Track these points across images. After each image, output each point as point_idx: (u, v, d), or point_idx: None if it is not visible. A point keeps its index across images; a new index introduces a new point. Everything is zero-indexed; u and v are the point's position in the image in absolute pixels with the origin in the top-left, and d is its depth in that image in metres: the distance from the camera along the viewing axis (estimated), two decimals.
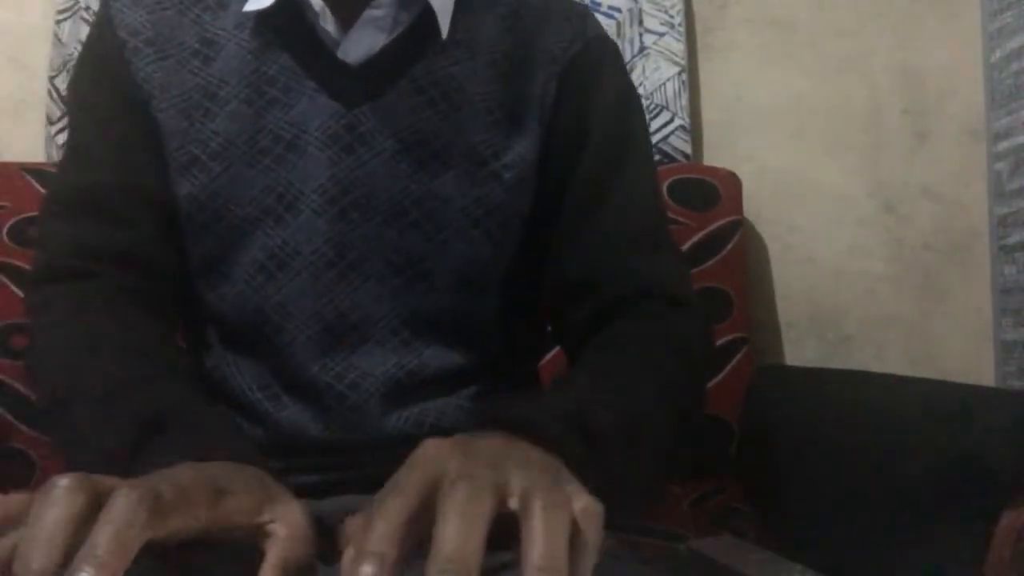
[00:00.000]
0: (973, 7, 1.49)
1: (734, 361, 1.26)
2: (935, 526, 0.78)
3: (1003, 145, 1.44)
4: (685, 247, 1.28)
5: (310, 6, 0.69)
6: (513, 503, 0.37)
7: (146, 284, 0.68)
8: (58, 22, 1.40)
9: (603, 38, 0.76)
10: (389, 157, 0.68)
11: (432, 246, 0.68)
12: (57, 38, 1.39)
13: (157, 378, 0.58)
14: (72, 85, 0.74)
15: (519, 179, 0.70)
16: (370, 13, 0.68)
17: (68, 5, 1.39)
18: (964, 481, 0.76)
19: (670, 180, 1.32)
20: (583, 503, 0.38)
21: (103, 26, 0.72)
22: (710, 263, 1.29)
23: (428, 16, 0.69)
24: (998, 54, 1.45)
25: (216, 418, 0.56)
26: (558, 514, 0.36)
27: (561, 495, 0.38)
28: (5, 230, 1.20)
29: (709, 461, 1.23)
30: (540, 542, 0.35)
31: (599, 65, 0.74)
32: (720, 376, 1.25)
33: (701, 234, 1.29)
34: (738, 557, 0.87)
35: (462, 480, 0.37)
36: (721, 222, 1.31)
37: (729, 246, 1.30)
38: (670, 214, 1.29)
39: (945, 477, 0.78)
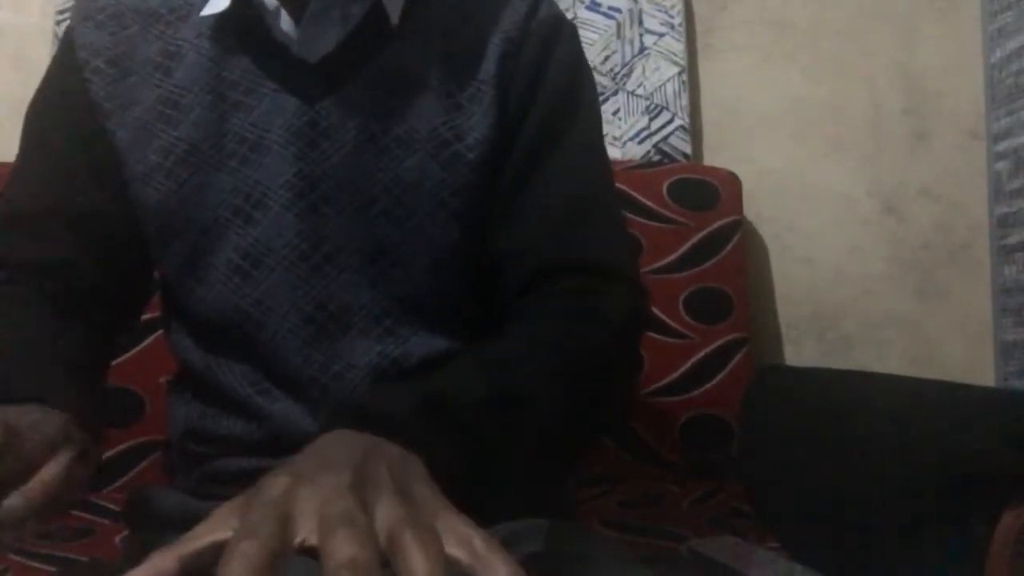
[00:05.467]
0: (973, 7, 1.49)
1: (734, 361, 1.26)
2: (935, 526, 0.78)
3: (1003, 145, 1.44)
4: (685, 247, 1.29)
5: (265, 7, 0.69)
6: (381, 542, 0.36)
7: (64, 294, 0.70)
8: (58, 22, 1.40)
9: (556, 16, 0.75)
10: (353, 148, 0.68)
11: (404, 232, 0.69)
12: (57, 38, 1.39)
13: (11, 351, 0.60)
14: (30, 105, 0.75)
15: (482, 159, 0.70)
16: (317, 6, 0.68)
17: (68, 5, 1.39)
18: (964, 481, 0.76)
19: (670, 180, 1.32)
20: (449, 526, 0.38)
21: (65, 51, 0.73)
22: (710, 263, 1.29)
23: (380, 7, 0.70)
24: (998, 54, 1.45)
25: (44, 372, 0.57)
26: (428, 560, 0.35)
27: (427, 533, 0.36)
28: None
29: (709, 461, 1.23)
30: None
31: (551, 43, 0.73)
32: (720, 376, 1.25)
33: (701, 234, 1.29)
34: (738, 557, 0.87)
35: (338, 528, 0.35)
36: (721, 222, 1.31)
37: (729, 246, 1.30)
38: (670, 214, 1.29)
39: (945, 477, 0.78)
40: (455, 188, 0.69)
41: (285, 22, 0.69)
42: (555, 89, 0.72)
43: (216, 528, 0.38)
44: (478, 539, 0.37)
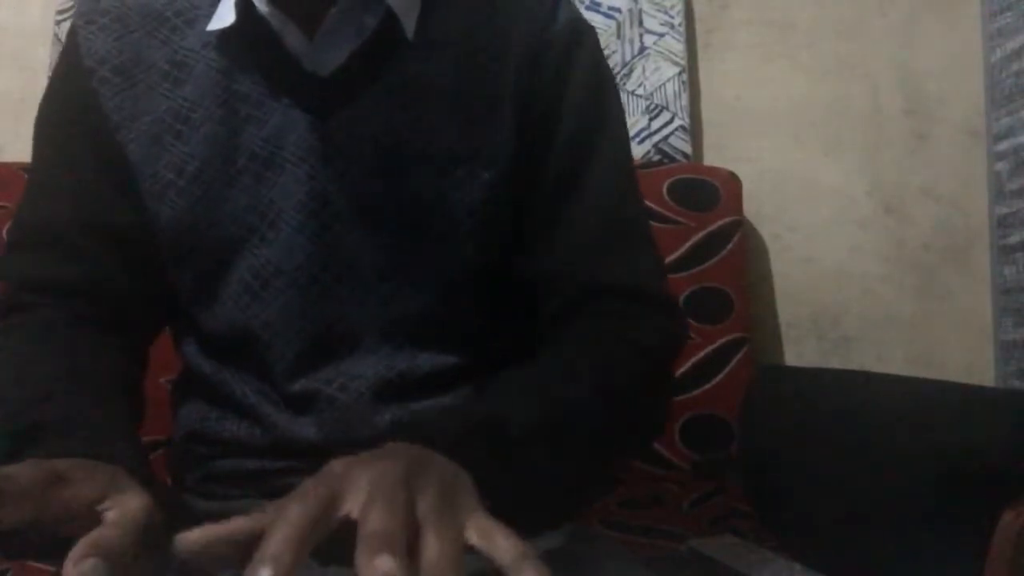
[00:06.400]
0: (973, 7, 1.49)
1: (734, 361, 1.26)
2: (935, 526, 0.78)
3: (1003, 145, 1.44)
4: (685, 247, 1.29)
5: (270, 23, 0.67)
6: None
7: (102, 311, 0.69)
8: (58, 22, 1.40)
9: (576, 21, 0.73)
10: (366, 165, 0.67)
11: (416, 251, 0.67)
12: (57, 38, 1.39)
13: (58, 396, 0.58)
14: (39, 114, 0.73)
15: (498, 176, 0.68)
16: (331, 21, 0.66)
17: (68, 5, 1.39)
18: (964, 481, 0.76)
19: (670, 180, 1.32)
20: (476, 523, 0.40)
21: (70, 54, 0.71)
22: (710, 263, 1.29)
23: (393, 18, 0.68)
24: (998, 54, 1.45)
25: (95, 428, 0.55)
26: (447, 543, 0.38)
27: (452, 522, 0.39)
28: (5, 230, 1.20)
29: (709, 461, 1.23)
30: (429, 571, 0.37)
31: (572, 50, 0.71)
32: (720, 376, 1.25)
33: (701, 234, 1.29)
34: (738, 557, 0.87)
35: (377, 501, 0.38)
36: (721, 222, 1.31)
37: (729, 246, 1.30)
38: (670, 214, 1.29)
39: (945, 477, 0.78)
40: (469, 206, 0.68)
41: (293, 35, 0.67)
42: (580, 102, 0.70)
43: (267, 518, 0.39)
44: (500, 534, 0.39)
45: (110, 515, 0.44)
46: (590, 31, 0.74)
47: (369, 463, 0.42)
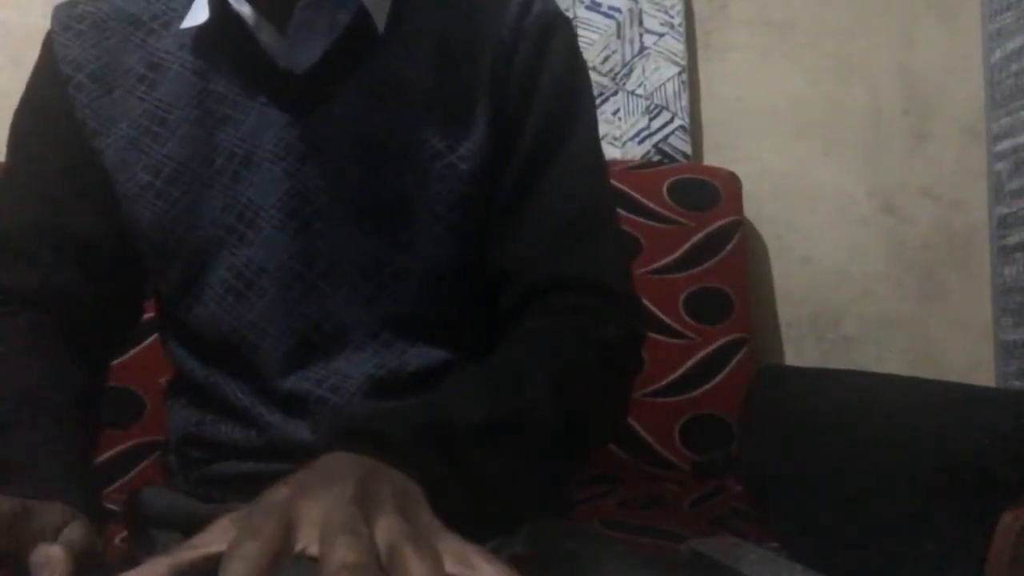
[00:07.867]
0: (973, 7, 1.49)
1: (734, 361, 1.26)
2: (935, 526, 0.78)
3: (1003, 145, 1.44)
4: (685, 247, 1.29)
5: (244, 19, 0.67)
6: (381, 555, 0.36)
7: (63, 320, 0.68)
8: None
9: (550, 12, 0.72)
10: (345, 163, 0.67)
11: (398, 246, 0.67)
12: None
13: (14, 429, 0.58)
14: (13, 120, 0.73)
15: (476, 169, 0.68)
16: (300, 15, 0.66)
17: None
18: (964, 481, 0.76)
19: (670, 180, 1.32)
20: (448, 546, 0.38)
21: (47, 60, 0.72)
22: (710, 263, 1.29)
23: (367, 13, 0.67)
24: (998, 54, 1.45)
25: (51, 472, 0.55)
26: (430, 564, 0.35)
27: (427, 543, 0.37)
28: None
29: (709, 461, 1.23)
30: None
31: (545, 43, 0.71)
32: (720, 376, 1.25)
33: (701, 234, 1.29)
34: (738, 557, 0.87)
35: (338, 536, 0.36)
36: (721, 222, 1.31)
37: (729, 246, 1.30)
38: (670, 214, 1.29)
39: (945, 477, 0.78)
40: (449, 200, 0.68)
41: (267, 33, 0.67)
42: (551, 93, 0.70)
43: (214, 540, 0.38)
44: (479, 558, 0.37)
45: (62, 536, 0.47)
46: (565, 23, 0.73)
47: (317, 489, 0.39)
